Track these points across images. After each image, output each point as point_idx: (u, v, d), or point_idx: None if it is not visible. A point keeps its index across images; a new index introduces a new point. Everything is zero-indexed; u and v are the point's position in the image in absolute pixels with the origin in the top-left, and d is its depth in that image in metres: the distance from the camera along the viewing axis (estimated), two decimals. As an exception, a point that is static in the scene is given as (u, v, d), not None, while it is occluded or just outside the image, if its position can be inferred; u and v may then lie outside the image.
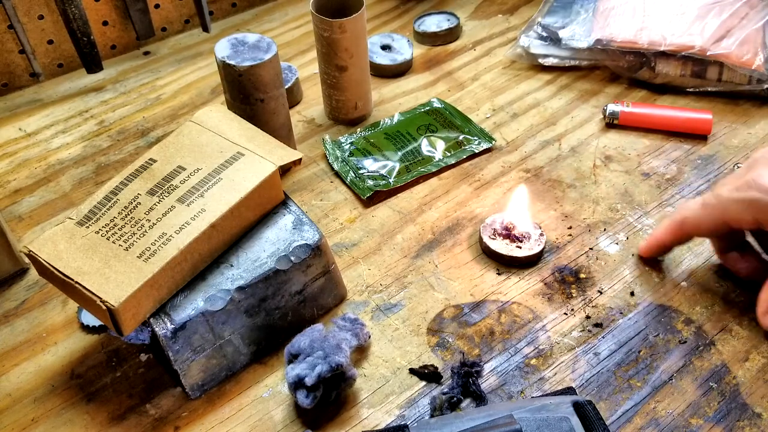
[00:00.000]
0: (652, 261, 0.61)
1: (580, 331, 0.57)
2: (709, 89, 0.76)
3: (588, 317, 0.58)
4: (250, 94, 0.65)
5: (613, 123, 0.74)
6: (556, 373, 0.54)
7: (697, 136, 0.73)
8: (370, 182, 0.69)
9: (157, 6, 0.89)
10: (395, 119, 0.76)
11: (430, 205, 0.68)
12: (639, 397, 0.52)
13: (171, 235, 0.50)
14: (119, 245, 0.50)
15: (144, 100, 0.83)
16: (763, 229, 0.52)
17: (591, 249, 0.63)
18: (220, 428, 0.52)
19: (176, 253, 0.49)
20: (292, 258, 0.54)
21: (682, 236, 0.58)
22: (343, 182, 0.71)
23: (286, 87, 0.77)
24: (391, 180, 0.69)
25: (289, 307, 0.56)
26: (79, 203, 0.64)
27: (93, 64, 0.83)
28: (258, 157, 0.55)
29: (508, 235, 0.63)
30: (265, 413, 0.53)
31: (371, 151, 0.72)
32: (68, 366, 0.56)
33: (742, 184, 0.51)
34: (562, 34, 0.80)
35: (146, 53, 0.90)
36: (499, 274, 0.61)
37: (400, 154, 0.72)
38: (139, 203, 0.52)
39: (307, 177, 0.72)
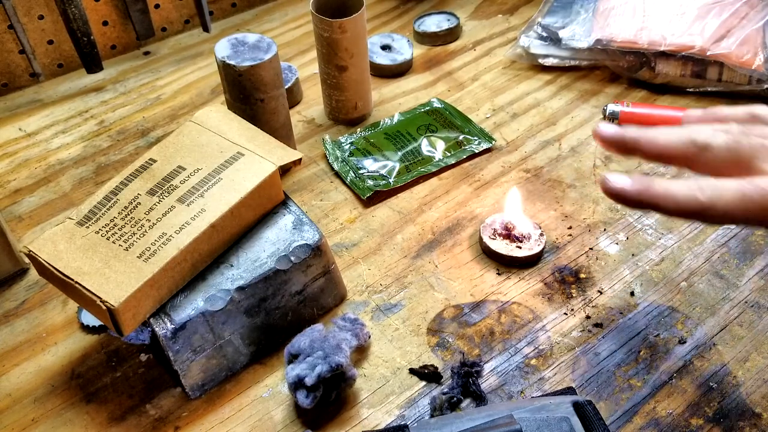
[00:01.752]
0: (649, 259, 0.61)
1: (580, 331, 0.57)
2: (709, 89, 0.76)
3: (588, 317, 0.58)
4: (250, 94, 0.65)
5: (613, 123, 0.74)
6: (556, 373, 0.54)
7: (697, 136, 0.73)
8: (370, 182, 0.69)
9: (157, 6, 0.89)
10: (395, 119, 0.76)
11: (430, 205, 0.68)
12: (639, 397, 0.52)
13: (171, 235, 0.50)
14: (119, 245, 0.50)
15: (144, 100, 0.83)
16: None
17: (591, 249, 0.63)
18: (220, 428, 0.52)
19: (176, 253, 0.49)
20: (292, 258, 0.54)
21: (698, 216, 0.43)
22: (343, 182, 0.71)
23: (286, 87, 0.77)
24: (391, 180, 0.69)
25: (289, 307, 0.56)
26: (79, 203, 0.64)
27: (93, 64, 0.83)
28: (258, 157, 0.55)
29: (508, 235, 0.63)
30: (265, 413, 0.53)
31: (371, 151, 0.72)
32: (68, 366, 0.56)
33: None
34: (562, 34, 0.80)
35: (146, 53, 0.90)
36: (499, 274, 0.61)
37: (400, 154, 0.72)
38: (139, 203, 0.52)
39: (307, 177, 0.72)
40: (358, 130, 0.76)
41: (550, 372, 0.54)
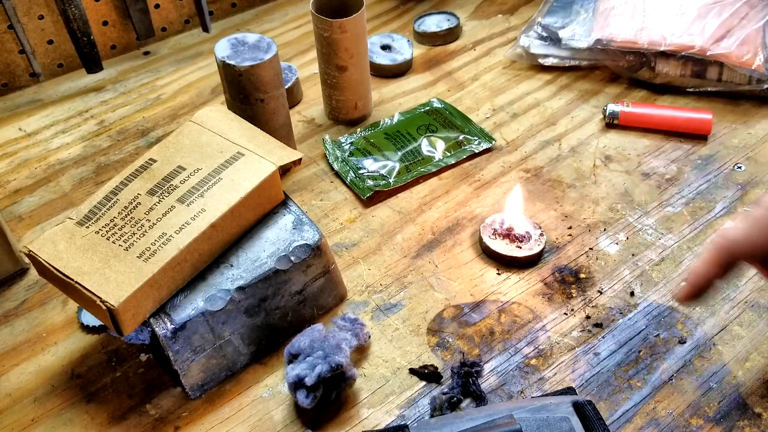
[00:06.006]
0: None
1: (580, 331, 0.57)
2: (709, 89, 0.76)
3: (588, 317, 0.58)
4: (250, 94, 0.65)
5: (613, 123, 0.74)
6: (556, 373, 0.54)
7: (697, 136, 0.73)
8: (370, 182, 0.69)
9: (157, 6, 0.89)
10: (395, 119, 0.76)
11: (430, 205, 0.68)
12: (639, 397, 0.52)
13: (171, 235, 0.50)
14: (119, 245, 0.50)
15: (144, 100, 0.83)
16: None
17: (591, 249, 0.63)
18: (220, 428, 0.52)
19: (176, 253, 0.49)
20: (292, 258, 0.54)
21: (728, 264, 0.47)
22: (343, 182, 0.71)
23: (286, 87, 0.77)
24: (391, 180, 0.69)
25: (289, 307, 0.56)
26: (79, 203, 0.64)
27: (93, 64, 0.83)
28: (258, 157, 0.55)
29: (508, 235, 0.63)
30: (265, 413, 0.53)
31: (371, 151, 0.72)
32: (68, 366, 0.56)
33: None
34: (562, 34, 0.80)
35: (146, 53, 0.90)
36: (499, 274, 0.61)
37: (400, 154, 0.72)
38: (139, 203, 0.52)
39: (307, 177, 0.72)
40: (358, 130, 0.76)
41: (550, 372, 0.54)
